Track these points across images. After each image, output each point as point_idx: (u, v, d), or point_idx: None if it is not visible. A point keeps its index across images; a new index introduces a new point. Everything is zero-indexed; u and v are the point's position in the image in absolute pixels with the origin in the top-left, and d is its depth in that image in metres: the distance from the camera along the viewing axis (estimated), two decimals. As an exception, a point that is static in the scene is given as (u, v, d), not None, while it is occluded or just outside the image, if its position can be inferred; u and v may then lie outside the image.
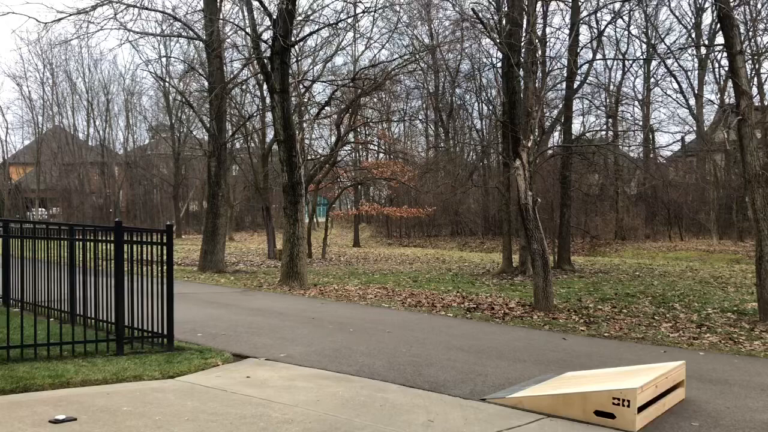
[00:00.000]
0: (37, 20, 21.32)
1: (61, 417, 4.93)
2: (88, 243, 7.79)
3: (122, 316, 7.40)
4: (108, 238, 7.70)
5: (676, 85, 43.54)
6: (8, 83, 77.63)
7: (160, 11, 18.87)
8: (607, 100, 35.63)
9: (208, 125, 21.80)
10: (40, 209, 49.92)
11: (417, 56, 24.63)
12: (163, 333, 7.64)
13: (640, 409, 5.26)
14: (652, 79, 38.39)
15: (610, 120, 35.22)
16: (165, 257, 7.63)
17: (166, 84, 37.40)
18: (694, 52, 35.45)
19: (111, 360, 6.95)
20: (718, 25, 21.29)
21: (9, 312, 8.01)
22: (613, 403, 5.27)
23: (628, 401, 5.20)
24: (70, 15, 15.90)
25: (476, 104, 41.53)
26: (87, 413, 5.10)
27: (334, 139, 27.90)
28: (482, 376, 6.81)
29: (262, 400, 5.72)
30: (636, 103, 38.74)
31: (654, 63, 36.45)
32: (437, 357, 7.73)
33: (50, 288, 8.80)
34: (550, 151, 25.55)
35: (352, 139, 31.37)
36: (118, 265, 7.39)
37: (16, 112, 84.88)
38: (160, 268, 7.61)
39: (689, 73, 37.68)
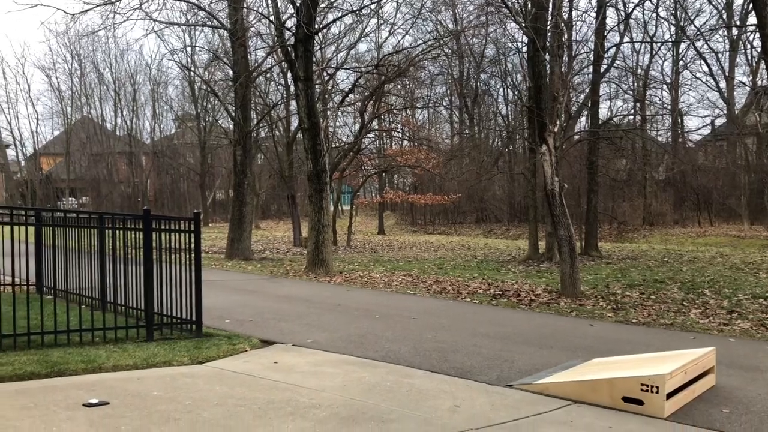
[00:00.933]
0: (64, 11, 21.62)
1: (94, 401, 5.04)
2: (117, 231, 7.91)
3: (151, 303, 7.52)
4: (137, 226, 7.81)
5: (705, 68, 42.71)
6: (38, 74, 78.80)
7: (185, 0, 18.98)
8: (635, 84, 35.10)
9: (233, 114, 21.93)
10: (70, 198, 50.77)
11: (441, 42, 24.48)
12: (191, 319, 7.74)
13: (669, 395, 5.21)
14: (681, 62, 37.65)
15: (638, 104, 34.68)
16: (193, 245, 7.72)
17: (192, 73, 37.68)
18: (725, 33, 34.69)
19: (141, 346, 7.07)
20: (750, 5, 20.79)
21: (42, 299, 8.17)
22: (642, 390, 5.23)
23: (657, 387, 5.15)
24: (97, 6, 16.06)
25: (501, 89, 41.16)
26: (119, 397, 5.20)
27: (358, 126, 27.89)
28: (508, 363, 6.80)
29: (290, 385, 5.78)
30: (664, 86, 38.08)
31: (683, 45, 35.74)
32: (463, 343, 7.73)
33: (81, 276, 8.96)
34: (576, 137, 25.27)
35: (376, 127, 31.35)
36: (147, 252, 7.50)
37: (46, 103, 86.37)
38: (188, 256, 7.71)
39: (720, 55, 36.83)
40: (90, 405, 4.96)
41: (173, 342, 7.33)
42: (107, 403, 5.03)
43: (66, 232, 9.04)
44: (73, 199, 50.83)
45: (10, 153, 52.25)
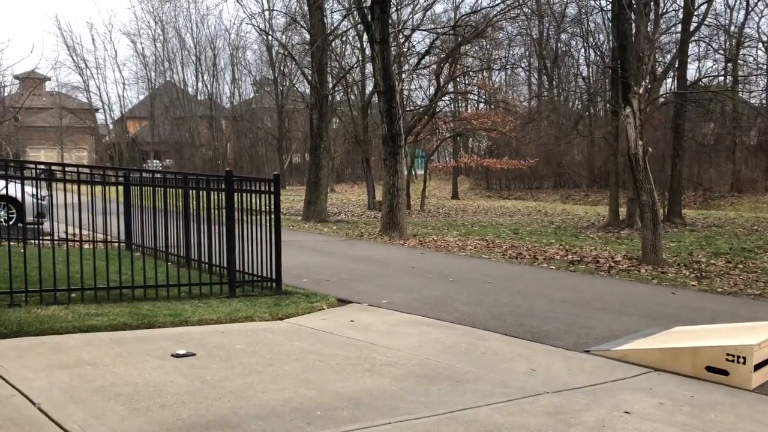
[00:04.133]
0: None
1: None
2: (201, 191, 8.17)
3: (234, 261, 7.78)
4: (219, 187, 8.05)
5: (807, 24, 39.81)
6: (124, 41, 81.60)
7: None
8: (727, 43, 33.20)
9: (309, 78, 22.11)
10: (154, 161, 52.76)
11: (520, 1, 23.76)
12: (271, 277, 7.97)
13: (757, 366, 5.02)
14: (780, 18, 35.27)
15: (730, 64, 32.80)
16: (272, 206, 7.90)
17: (269, 37, 38.04)
18: (831, -14, 32.17)
19: (224, 302, 7.34)
20: None
21: (132, 256, 8.58)
22: (727, 360, 5.05)
23: (744, 358, 4.97)
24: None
25: (583, 50, 39.81)
26: (204, 349, 5.44)
27: (433, 89, 27.62)
28: (586, 329, 6.70)
29: (366, 343, 5.89)
30: (760, 44, 35.83)
31: (783, -1, 33.38)
32: (539, 308, 7.66)
33: (167, 234, 9.34)
34: (662, 99, 24.21)
35: (452, 89, 30.93)
36: (230, 212, 7.74)
37: (131, 69, 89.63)
38: (267, 216, 7.91)
39: (824, 10, 34.26)
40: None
41: (254, 299, 7.59)
42: (194, 354, 5.27)
43: (153, 192, 9.41)
44: (158, 161, 52.80)
45: (99, 117, 54.68)
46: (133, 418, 3.85)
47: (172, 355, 5.22)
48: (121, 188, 10.57)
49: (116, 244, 9.92)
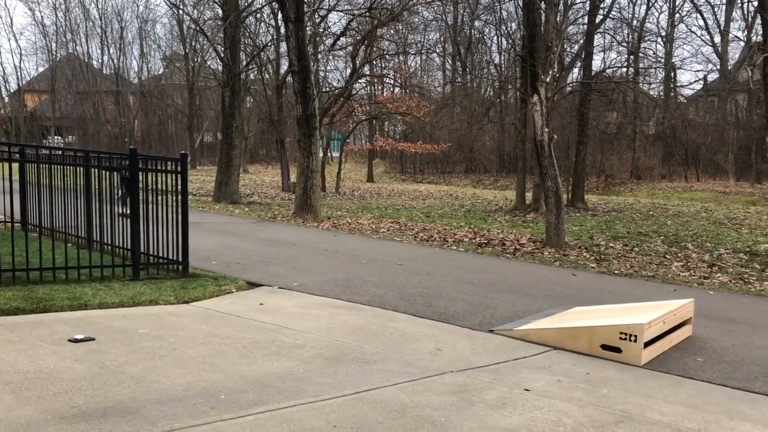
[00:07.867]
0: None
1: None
2: (103, 170, 7.83)
3: (138, 243, 7.51)
4: (123, 166, 7.73)
5: (701, 22, 42.27)
6: (20, 7, 76.52)
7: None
8: (630, 36, 34.75)
9: (222, 55, 21.53)
10: (56, 137, 50.07)
11: (436, -14, 23.97)
12: (178, 260, 7.76)
13: (647, 344, 5.33)
14: (677, 15, 37.30)
15: (632, 56, 34.38)
16: (180, 186, 7.67)
17: (180, 11, 36.72)
18: (723, -14, 34.21)
19: (127, 285, 7.09)
20: (750, -42, 20.40)
21: (27, 236, 8.14)
22: (620, 338, 5.33)
23: (635, 336, 5.26)
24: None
25: (495, 38, 40.67)
26: (105, 334, 5.24)
27: (349, 71, 27.50)
28: (491, 309, 6.90)
29: (275, 326, 5.85)
30: (659, 39, 37.76)
31: (680, -2, 35.26)
32: (447, 289, 7.82)
33: (67, 214, 8.91)
34: (568, 88, 25.11)
35: (368, 72, 30.91)
36: (134, 192, 7.45)
37: (29, 38, 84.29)
38: (175, 197, 7.67)
39: (716, 9, 36.47)
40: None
41: (159, 282, 7.36)
42: (93, 339, 5.07)
43: (51, 169, 8.95)
44: (59, 137, 50.14)
45: (-7, 89, 51.24)
46: (23, 407, 3.67)
47: (69, 341, 5.00)
48: (15, 165, 9.98)
49: (10, 224, 9.38)
